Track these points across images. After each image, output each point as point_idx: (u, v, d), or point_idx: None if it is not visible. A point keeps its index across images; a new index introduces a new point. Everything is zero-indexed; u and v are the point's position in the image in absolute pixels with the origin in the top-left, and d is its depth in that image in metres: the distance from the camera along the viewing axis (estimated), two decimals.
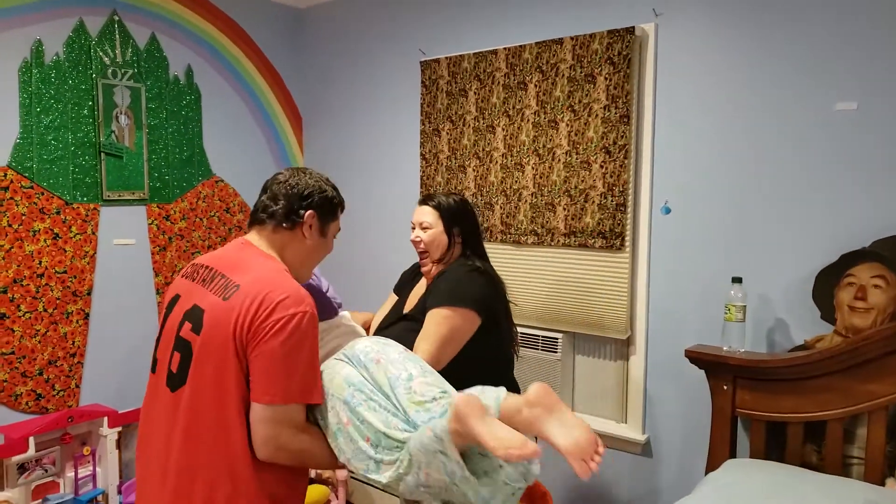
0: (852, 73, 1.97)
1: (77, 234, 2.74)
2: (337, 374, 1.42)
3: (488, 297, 1.80)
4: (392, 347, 1.48)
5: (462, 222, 1.93)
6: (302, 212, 1.50)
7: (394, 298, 2.10)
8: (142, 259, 2.96)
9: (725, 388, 2.07)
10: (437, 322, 1.72)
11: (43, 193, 2.64)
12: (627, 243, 2.38)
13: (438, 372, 1.47)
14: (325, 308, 1.69)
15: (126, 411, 2.67)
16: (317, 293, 1.68)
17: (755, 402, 2.04)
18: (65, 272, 2.72)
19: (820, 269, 2.01)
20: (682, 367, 2.22)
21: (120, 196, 2.87)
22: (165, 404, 1.41)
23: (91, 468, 2.61)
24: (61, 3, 2.67)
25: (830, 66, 2.00)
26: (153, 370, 1.49)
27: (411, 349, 1.62)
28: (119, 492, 2.63)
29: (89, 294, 2.79)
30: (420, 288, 1.99)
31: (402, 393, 1.34)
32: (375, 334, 1.91)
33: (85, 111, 2.76)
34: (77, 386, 2.77)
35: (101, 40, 2.79)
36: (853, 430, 1.96)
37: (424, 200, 1.97)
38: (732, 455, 2.10)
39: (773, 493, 1.69)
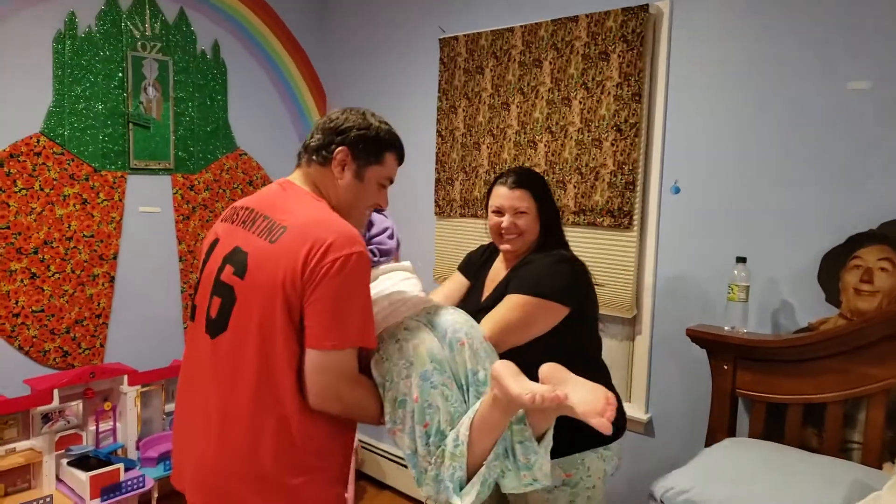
0: (866, 52, 1.93)
1: (104, 200, 2.86)
2: (422, 342, 1.38)
3: (575, 288, 1.71)
4: (478, 332, 1.45)
5: (551, 205, 1.82)
6: (333, 147, 1.40)
7: (459, 279, 1.99)
8: (166, 227, 3.06)
9: (726, 367, 2.06)
10: (511, 307, 1.63)
11: (73, 160, 2.76)
12: (636, 222, 2.38)
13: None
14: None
15: (146, 371, 2.78)
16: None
17: (755, 382, 2.03)
18: (92, 236, 2.84)
19: (826, 251, 1.98)
20: (686, 347, 2.21)
21: (147, 165, 2.98)
22: (206, 351, 1.36)
23: (112, 423, 2.74)
24: None
25: (844, 45, 1.96)
26: (192, 318, 1.44)
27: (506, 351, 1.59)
28: (137, 447, 2.75)
29: (115, 258, 2.91)
30: (496, 274, 1.88)
31: (474, 395, 1.35)
32: None
33: (115, 82, 2.86)
34: (101, 345, 2.90)
35: (132, 14, 2.89)
36: (854, 415, 1.94)
37: (516, 182, 1.78)
38: (732, 435, 2.10)
39: (763, 469, 1.70)
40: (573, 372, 1.37)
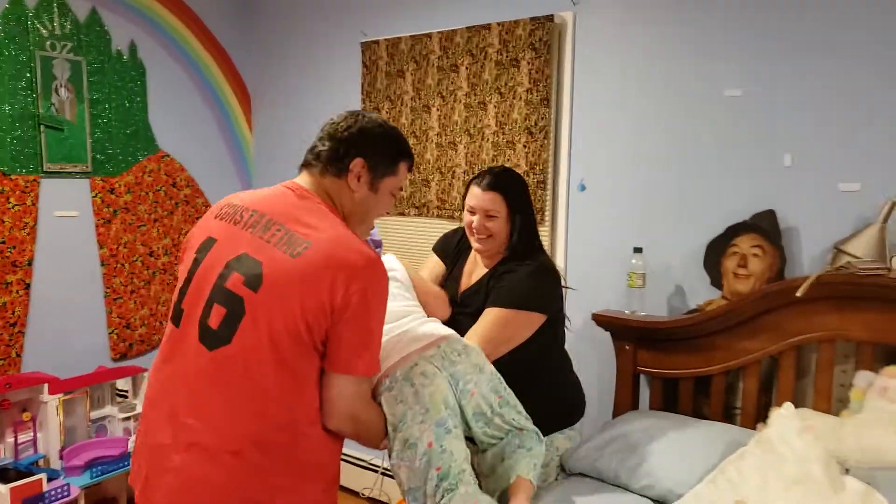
0: (738, 63, 2.20)
1: (16, 204, 2.79)
2: (438, 390, 1.41)
3: (552, 297, 1.81)
4: (486, 377, 1.51)
5: (525, 206, 1.83)
6: (348, 160, 1.35)
7: (436, 261, 2.03)
8: (85, 231, 3.01)
9: (627, 348, 2.29)
10: (501, 325, 1.69)
11: None
12: (548, 218, 2.57)
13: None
14: None
15: (68, 378, 2.74)
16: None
17: (653, 360, 2.27)
18: (3, 242, 2.76)
19: (710, 241, 2.24)
20: (595, 331, 2.42)
21: (62, 168, 2.92)
22: (197, 362, 1.27)
23: (31, 434, 2.68)
24: None
25: (722, 57, 2.22)
26: (176, 323, 1.34)
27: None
28: (60, 457, 2.71)
29: (30, 265, 2.84)
30: (473, 268, 1.92)
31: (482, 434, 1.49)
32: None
33: (23, 83, 2.79)
34: (18, 355, 2.83)
35: (39, 13, 2.82)
36: (736, 384, 2.21)
37: (489, 185, 1.80)
38: (635, 408, 2.33)
39: (658, 434, 1.91)
40: (545, 364, 1.64)
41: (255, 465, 1.23)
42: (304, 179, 1.39)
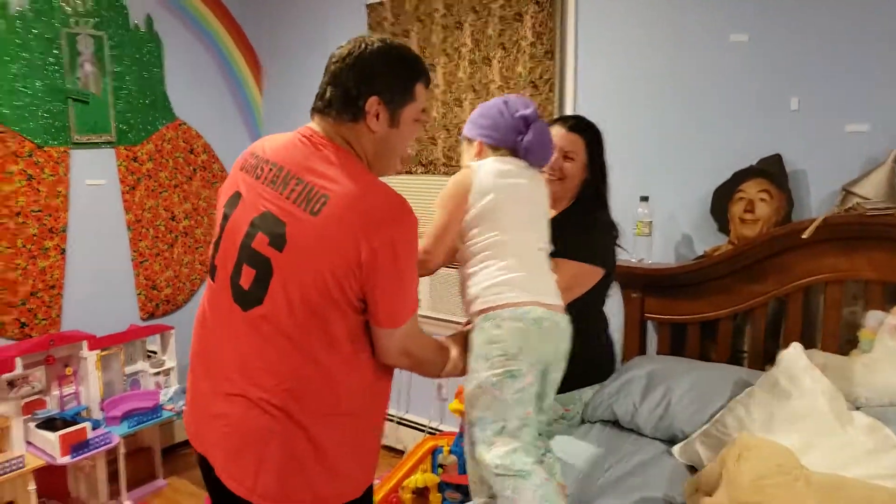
0: (743, 8, 2.17)
1: (50, 175, 2.94)
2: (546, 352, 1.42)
3: (613, 254, 1.83)
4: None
5: (600, 160, 1.82)
6: (361, 102, 1.25)
7: None
8: (112, 198, 3.16)
9: (634, 296, 2.32)
10: (571, 276, 1.66)
11: (15, 137, 2.82)
12: None
13: None
14: None
15: (104, 336, 2.91)
16: None
17: (660, 307, 2.29)
18: (40, 211, 2.92)
19: (716, 187, 2.23)
20: None
21: (89, 139, 3.05)
22: (234, 322, 1.27)
23: (74, 387, 2.87)
24: None
25: (727, 3, 2.19)
26: (212, 278, 1.34)
27: None
28: (101, 408, 2.90)
29: (64, 231, 3.00)
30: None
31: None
32: None
33: (51, 59, 2.91)
34: (58, 315, 3.00)
35: None
36: (743, 327, 2.22)
37: (572, 126, 1.79)
38: (643, 353, 2.36)
39: (666, 377, 1.94)
40: (591, 318, 1.73)
41: (297, 416, 1.24)
42: (319, 126, 1.30)
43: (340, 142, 1.28)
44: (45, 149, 2.91)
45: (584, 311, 1.76)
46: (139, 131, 3.23)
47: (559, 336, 1.44)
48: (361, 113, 1.25)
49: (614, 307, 2.46)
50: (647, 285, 2.30)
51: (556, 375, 1.46)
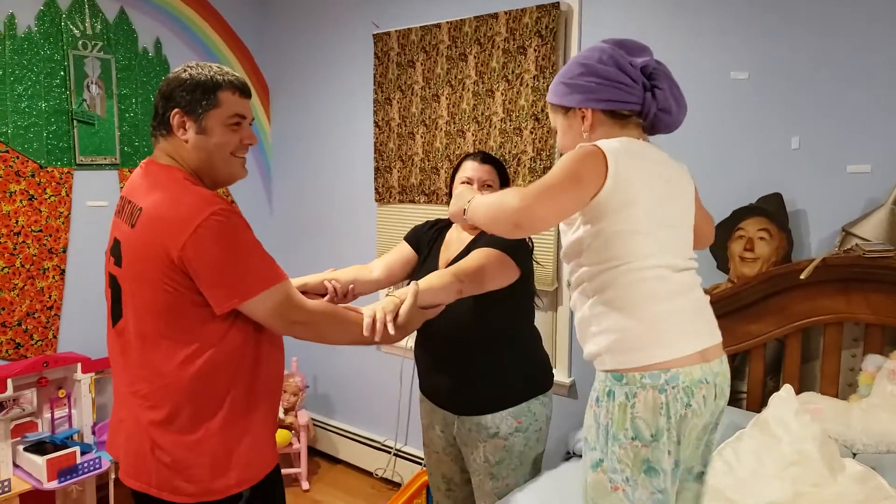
0: (744, 46, 2.17)
1: (52, 195, 2.95)
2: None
3: (528, 257, 1.87)
4: None
5: (509, 185, 1.95)
6: (167, 115, 1.40)
7: (404, 249, 2.07)
8: None
9: None
10: (484, 257, 1.71)
11: (18, 157, 2.84)
12: None
13: (473, 325, 1.73)
14: None
15: (99, 358, 2.89)
16: None
17: None
18: (41, 231, 2.92)
19: (716, 224, 2.21)
20: None
21: (93, 161, 3.07)
22: (113, 338, 1.48)
23: (67, 410, 2.85)
24: None
25: (728, 40, 2.20)
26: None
27: (460, 311, 1.71)
28: (93, 432, 2.87)
29: (65, 252, 3.00)
30: (453, 241, 1.98)
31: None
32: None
33: (57, 81, 2.94)
34: (54, 336, 2.99)
35: (72, 14, 2.96)
36: (742, 368, 2.19)
37: (484, 158, 1.92)
38: None
39: None
40: (521, 330, 1.73)
41: (177, 419, 1.38)
42: (155, 150, 1.47)
43: (165, 159, 1.43)
44: (48, 169, 2.93)
45: (517, 321, 1.90)
46: (144, 154, 3.24)
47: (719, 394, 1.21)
48: (169, 126, 1.41)
49: None
50: None
51: (714, 436, 1.29)
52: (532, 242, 1.94)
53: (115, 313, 1.46)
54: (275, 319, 1.39)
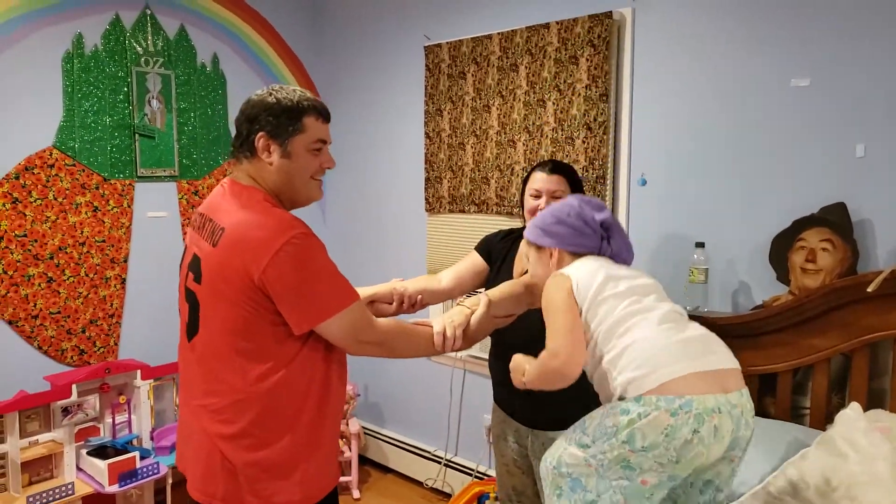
0: (805, 52, 2.12)
1: (114, 207, 3.06)
2: None
3: None
4: None
5: (582, 192, 1.93)
6: (252, 138, 1.43)
7: (475, 259, 2.06)
8: (173, 230, 3.26)
9: None
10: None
11: (84, 170, 2.96)
12: None
13: None
14: None
15: (158, 366, 2.97)
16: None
17: None
18: (104, 241, 3.03)
19: (775, 235, 2.16)
20: None
21: (153, 173, 3.17)
22: (187, 352, 1.51)
23: (127, 415, 2.94)
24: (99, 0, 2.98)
25: (788, 47, 2.15)
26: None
27: (536, 322, 1.67)
28: (151, 437, 2.95)
29: (126, 261, 3.11)
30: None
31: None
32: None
33: (121, 96, 3.05)
34: (115, 343, 3.10)
35: (135, 32, 3.08)
36: (804, 383, 2.12)
37: (554, 168, 1.92)
38: None
39: None
40: None
41: (239, 425, 1.41)
42: (235, 170, 1.51)
43: (247, 180, 1.47)
44: (111, 181, 3.04)
45: None
46: (201, 166, 3.34)
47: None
48: (253, 148, 1.44)
49: None
50: None
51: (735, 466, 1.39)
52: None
53: (192, 328, 1.48)
54: (348, 339, 1.43)
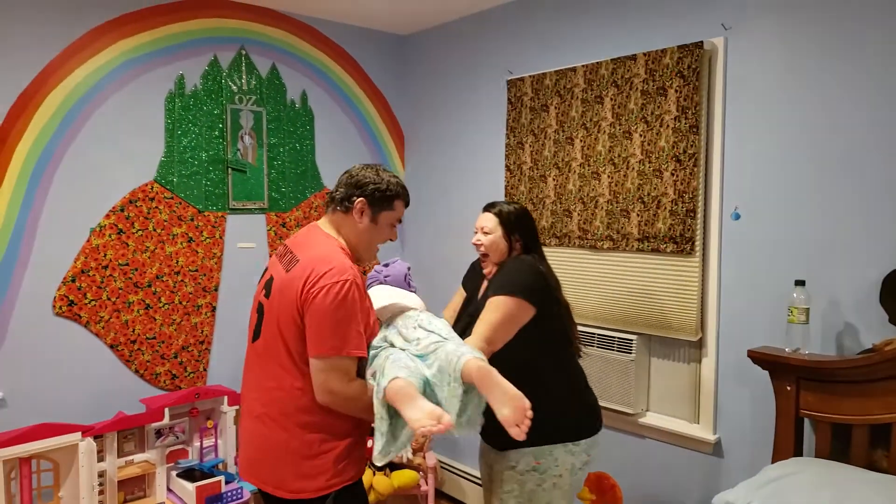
0: None
1: (207, 237, 3.20)
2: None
3: (538, 287, 1.93)
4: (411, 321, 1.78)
5: (520, 229, 2.07)
6: (354, 198, 1.76)
7: (460, 292, 2.28)
8: (261, 261, 3.37)
9: (788, 388, 2.11)
10: (492, 309, 1.87)
11: (181, 203, 3.11)
12: (697, 248, 2.47)
13: (494, 353, 1.77)
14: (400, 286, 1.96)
15: None
16: (395, 281, 1.94)
17: (819, 403, 2.07)
18: (196, 270, 3.17)
19: (885, 275, 2.01)
20: (751, 369, 2.27)
21: (244, 206, 3.31)
22: (251, 355, 1.82)
23: (213, 440, 3.02)
24: (200, 42, 3.15)
25: (891, 75, 2.02)
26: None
27: None
28: (235, 462, 3.02)
29: (216, 290, 3.24)
30: (485, 285, 2.15)
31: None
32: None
33: (216, 133, 3.21)
34: (205, 369, 3.21)
35: (231, 72, 3.25)
36: None
37: (487, 208, 2.13)
38: (798, 455, 2.13)
39: (820, 486, 1.74)
40: (539, 374, 1.83)
41: (285, 425, 1.69)
42: (322, 219, 1.84)
43: (330, 229, 1.80)
44: (205, 213, 3.18)
45: (542, 359, 1.95)
46: (289, 199, 3.46)
47: None
48: (351, 207, 1.77)
49: (762, 398, 2.27)
50: (803, 378, 2.09)
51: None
52: (556, 280, 2.02)
53: (256, 333, 1.80)
54: (317, 382, 1.64)
